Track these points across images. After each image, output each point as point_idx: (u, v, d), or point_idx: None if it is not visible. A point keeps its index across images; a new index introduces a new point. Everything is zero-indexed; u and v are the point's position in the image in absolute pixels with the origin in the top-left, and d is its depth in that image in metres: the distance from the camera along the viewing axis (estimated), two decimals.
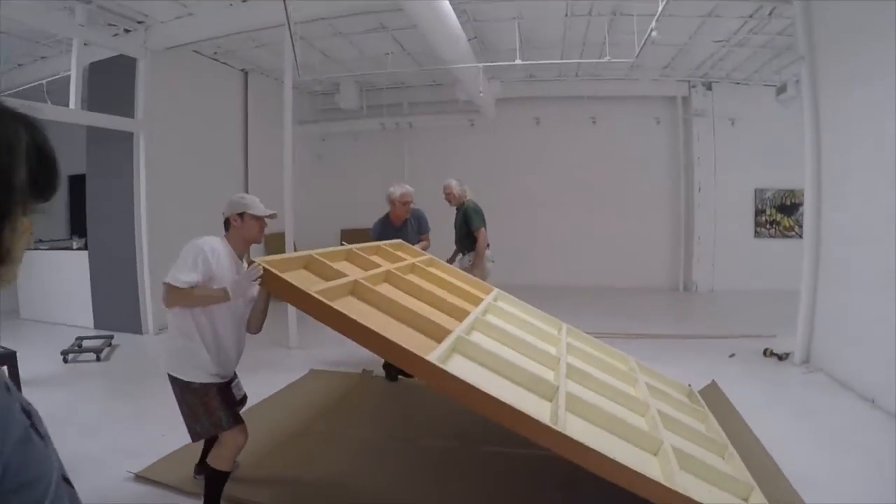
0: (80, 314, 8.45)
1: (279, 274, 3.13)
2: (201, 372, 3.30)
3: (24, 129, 0.89)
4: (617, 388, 3.92)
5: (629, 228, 12.19)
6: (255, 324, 3.48)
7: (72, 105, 7.08)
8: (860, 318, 5.73)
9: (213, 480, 3.38)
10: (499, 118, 11.94)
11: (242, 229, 3.39)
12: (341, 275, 3.67)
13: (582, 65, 9.98)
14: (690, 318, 9.97)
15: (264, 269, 3.10)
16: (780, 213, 11.67)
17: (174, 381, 3.33)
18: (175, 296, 3.11)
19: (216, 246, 3.27)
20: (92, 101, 7.71)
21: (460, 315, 3.93)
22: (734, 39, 9.06)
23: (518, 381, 3.26)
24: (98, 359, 6.91)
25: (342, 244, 4.59)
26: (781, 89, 8.93)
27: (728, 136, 11.58)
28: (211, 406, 3.30)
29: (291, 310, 7.34)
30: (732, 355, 6.90)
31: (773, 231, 11.72)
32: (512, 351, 3.76)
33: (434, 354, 2.94)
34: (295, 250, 5.57)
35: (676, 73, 11.22)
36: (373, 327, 2.90)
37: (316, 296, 3.01)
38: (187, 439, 3.47)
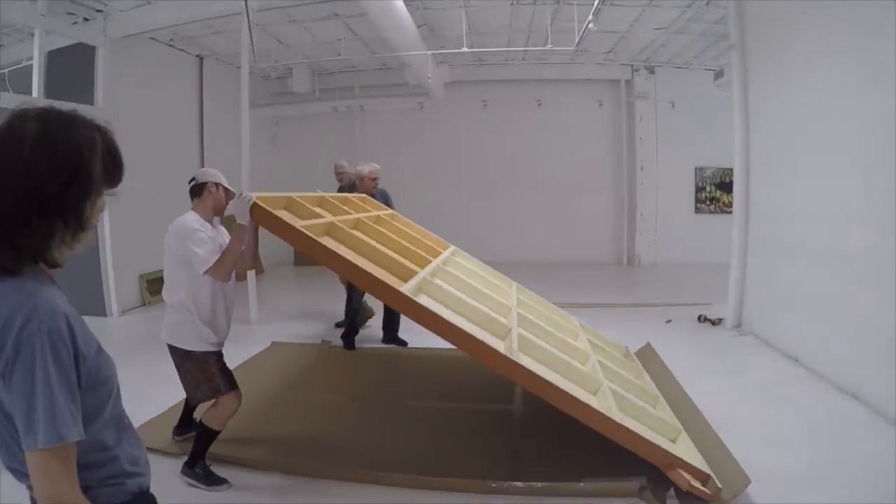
0: None
1: (270, 210, 3.50)
2: (202, 342, 3.62)
3: (98, 134, 1.29)
4: (561, 338, 4.42)
5: (575, 205, 12.73)
6: (249, 262, 3.81)
7: (34, 94, 7.16)
8: (784, 286, 6.34)
9: (204, 437, 3.70)
10: (447, 101, 12.27)
11: (216, 197, 3.73)
12: (318, 216, 4.05)
13: (528, 49, 10.37)
14: (632, 289, 10.57)
15: (255, 205, 3.46)
16: (719, 190, 12.35)
17: (174, 350, 3.65)
18: (221, 269, 3.52)
19: (195, 220, 3.64)
20: (51, 88, 7.79)
21: (422, 262, 4.37)
22: (673, 27, 9.55)
23: (475, 321, 3.71)
24: None
25: (316, 191, 4.94)
26: (719, 74, 9.53)
27: (669, 118, 12.18)
28: (210, 373, 3.64)
29: (252, 287, 7.69)
30: (669, 321, 7.51)
31: (712, 207, 12.39)
32: (468, 296, 4.20)
33: (405, 287, 3.38)
34: None
35: (620, 58, 11.73)
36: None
37: (302, 230, 3.44)
38: (162, 409, 3.78)
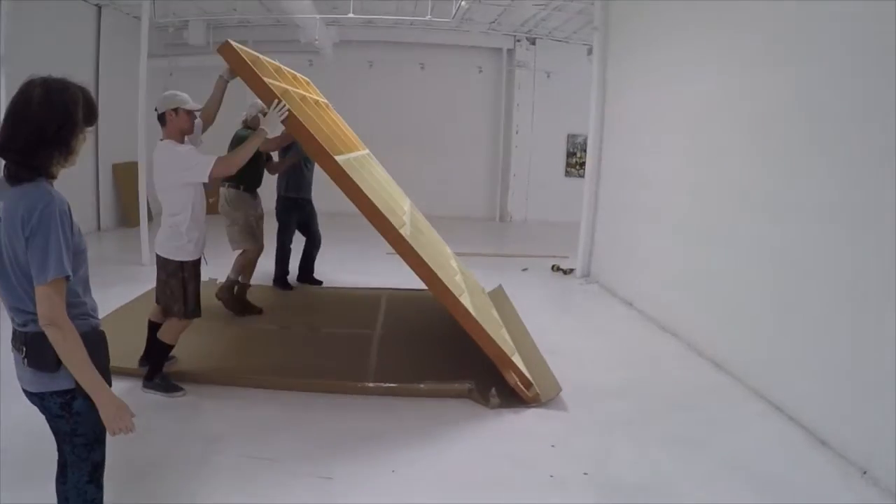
0: None
1: (261, 76, 4.12)
2: (194, 249, 4.06)
3: (81, 93, 1.94)
4: (441, 248, 5.40)
5: (453, 165, 13.51)
6: (213, 108, 4.43)
7: None
8: (624, 241, 7.34)
9: (160, 351, 4.19)
10: (336, 59, 12.59)
11: (178, 121, 4.02)
12: (276, 80, 4.67)
13: (407, 18, 10.86)
14: (500, 242, 11.55)
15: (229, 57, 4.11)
16: None
17: (167, 264, 4.06)
18: (227, 164, 3.98)
19: (169, 146, 3.99)
20: None
21: (349, 147, 5.11)
22: (552, 4, 10.32)
23: (382, 207, 4.30)
24: None
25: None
26: (591, 50, 10.38)
27: (546, 87, 13.10)
28: (189, 292, 4.08)
29: (144, 230, 8.01)
30: (525, 269, 8.48)
31: (581, 171, 13.34)
32: (378, 187, 4.96)
33: (339, 158, 4.12)
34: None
35: (503, 28, 12.47)
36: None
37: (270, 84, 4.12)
38: None
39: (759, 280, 4.62)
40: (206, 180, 3.95)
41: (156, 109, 4.10)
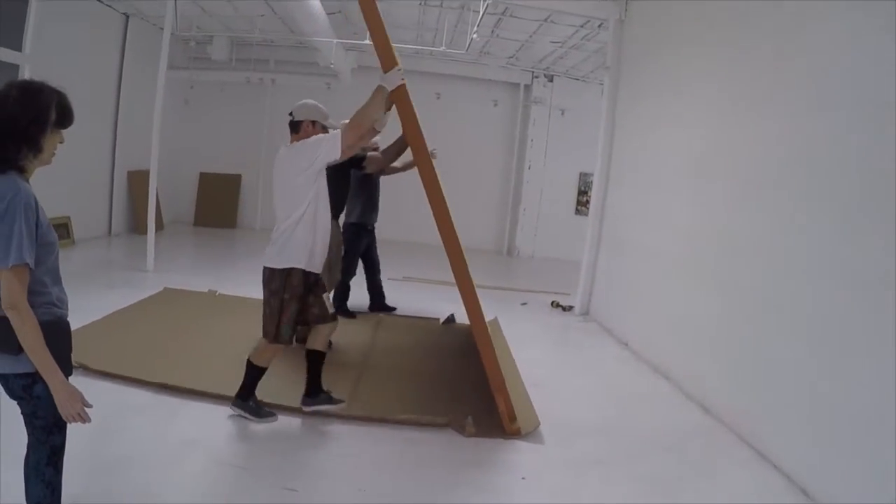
0: None
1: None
2: (306, 257, 3.82)
3: (56, 96, 2.07)
4: None
5: (463, 196, 13.28)
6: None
7: None
8: (623, 280, 7.34)
9: (253, 374, 4.00)
10: (354, 84, 12.64)
11: (312, 133, 3.94)
12: None
13: (422, 48, 11.03)
14: (504, 275, 11.48)
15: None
16: None
17: (270, 279, 3.82)
18: (357, 126, 3.81)
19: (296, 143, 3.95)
20: None
21: None
22: (569, 43, 10.50)
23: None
24: None
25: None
26: None
27: (560, 124, 13.20)
28: (287, 312, 3.82)
29: (151, 237, 8.09)
30: (524, 304, 8.47)
31: None
32: None
33: None
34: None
35: (522, 64, 12.64)
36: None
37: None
38: None
39: (750, 327, 4.61)
40: (339, 155, 3.75)
41: (290, 115, 4.04)
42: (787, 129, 4.37)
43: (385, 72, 3.98)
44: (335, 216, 5.36)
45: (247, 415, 4.01)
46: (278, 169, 3.92)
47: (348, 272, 6.73)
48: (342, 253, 6.04)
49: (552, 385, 5.29)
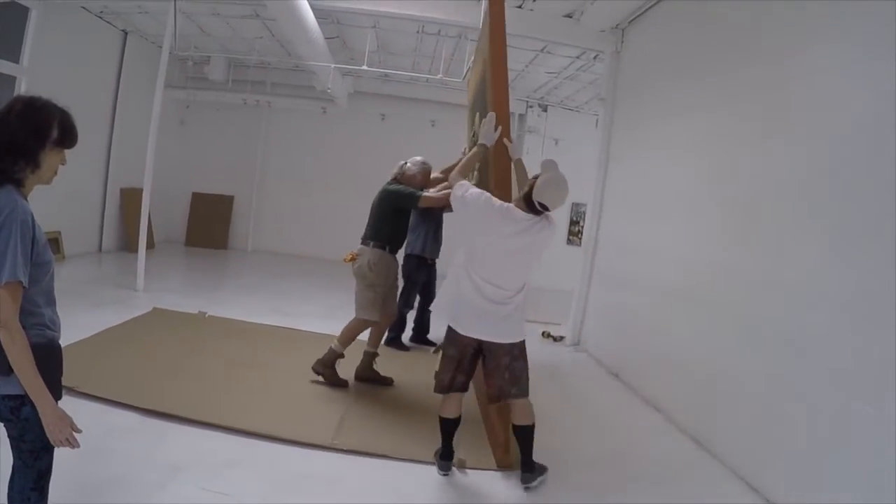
0: None
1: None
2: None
3: (59, 114, 2.06)
4: None
5: (457, 224, 13.42)
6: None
7: None
8: (615, 312, 7.34)
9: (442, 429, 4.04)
10: (349, 109, 12.83)
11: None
12: None
13: (421, 75, 11.06)
14: None
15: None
16: None
17: (512, 347, 4.07)
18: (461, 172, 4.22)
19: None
20: None
21: None
22: (564, 74, 10.61)
23: None
24: None
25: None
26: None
27: (553, 154, 13.04)
28: (443, 366, 4.00)
29: (141, 257, 8.04)
30: None
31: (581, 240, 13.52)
32: None
33: None
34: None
35: (516, 93, 12.67)
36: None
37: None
38: None
39: (743, 359, 4.60)
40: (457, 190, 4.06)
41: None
42: (781, 158, 4.40)
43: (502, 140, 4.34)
44: (395, 251, 5.48)
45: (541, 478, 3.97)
46: (522, 241, 3.97)
47: (407, 304, 6.78)
48: (399, 287, 6.05)
49: (542, 415, 5.16)
